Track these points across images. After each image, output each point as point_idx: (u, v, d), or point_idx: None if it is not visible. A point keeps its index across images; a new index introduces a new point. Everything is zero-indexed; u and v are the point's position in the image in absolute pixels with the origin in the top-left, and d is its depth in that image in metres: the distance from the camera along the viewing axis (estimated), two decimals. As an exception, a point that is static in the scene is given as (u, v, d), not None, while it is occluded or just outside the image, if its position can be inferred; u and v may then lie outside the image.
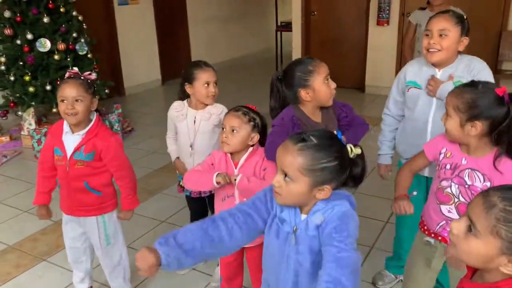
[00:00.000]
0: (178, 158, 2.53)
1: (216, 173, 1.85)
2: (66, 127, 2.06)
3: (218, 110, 2.38)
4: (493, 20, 5.49)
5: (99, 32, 6.00)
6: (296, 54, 6.78)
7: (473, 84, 1.57)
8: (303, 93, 1.89)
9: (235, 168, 1.93)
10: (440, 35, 1.94)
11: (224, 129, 1.90)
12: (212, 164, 1.97)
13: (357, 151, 1.29)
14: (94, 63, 4.80)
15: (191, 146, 2.38)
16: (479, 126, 1.51)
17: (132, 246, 2.93)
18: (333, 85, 1.94)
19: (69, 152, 2.05)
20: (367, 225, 3.05)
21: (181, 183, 2.52)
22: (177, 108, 2.41)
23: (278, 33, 8.59)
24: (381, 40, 6.24)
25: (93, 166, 2.07)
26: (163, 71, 7.51)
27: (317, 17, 6.70)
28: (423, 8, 3.90)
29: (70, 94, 1.96)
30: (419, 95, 2.07)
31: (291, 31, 7.04)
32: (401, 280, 2.50)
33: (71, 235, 2.26)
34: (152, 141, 4.86)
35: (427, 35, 2.00)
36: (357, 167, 1.30)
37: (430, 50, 1.98)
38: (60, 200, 2.22)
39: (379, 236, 2.94)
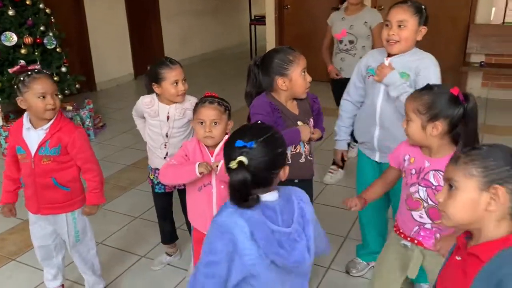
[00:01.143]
0: None
1: (197, 163, 1.84)
2: (27, 123, 2.01)
3: (191, 104, 2.31)
4: (461, 14, 5.61)
5: (69, 25, 5.85)
6: (271, 47, 6.74)
7: (428, 87, 1.63)
8: (280, 81, 1.93)
9: (211, 157, 1.93)
10: (399, 26, 1.99)
11: (204, 123, 1.88)
12: (186, 155, 1.95)
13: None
14: (64, 58, 4.68)
15: (165, 144, 2.34)
16: (439, 126, 1.56)
17: (105, 243, 2.88)
18: (309, 78, 1.99)
19: (33, 148, 2.01)
20: (341, 216, 3.09)
21: (151, 176, 2.48)
22: (148, 104, 2.33)
23: (252, 27, 8.57)
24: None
25: (60, 160, 2.04)
26: (135, 66, 7.39)
27: (291, 10, 6.71)
28: (336, 9, 3.75)
29: (50, 90, 1.95)
30: (374, 83, 2.14)
31: (265, 24, 7.02)
32: (373, 266, 2.55)
33: (40, 234, 2.22)
34: (124, 136, 4.78)
35: (387, 25, 2.04)
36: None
37: (390, 41, 2.02)
38: (26, 200, 2.16)
39: (352, 226, 2.98)
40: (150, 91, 2.34)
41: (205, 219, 1.84)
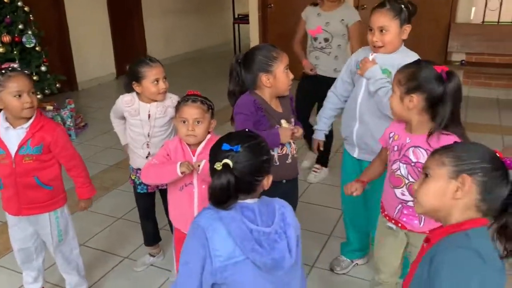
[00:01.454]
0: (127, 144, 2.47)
1: (179, 162, 1.82)
2: (4, 122, 1.97)
3: (173, 101, 2.30)
4: (442, 13, 5.68)
5: (48, 24, 5.74)
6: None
7: (417, 61, 1.65)
8: (264, 78, 1.92)
9: (193, 156, 1.91)
10: (381, 31, 2.00)
11: (186, 122, 1.86)
12: (168, 154, 1.93)
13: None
14: (43, 57, 4.59)
15: (147, 144, 2.31)
16: (415, 99, 1.56)
17: (88, 244, 2.84)
18: (291, 75, 2.00)
19: (13, 148, 1.97)
20: (325, 214, 3.10)
21: (132, 176, 2.44)
22: (128, 103, 2.29)
23: (236, 25, 8.54)
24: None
25: (42, 159, 2.01)
26: (117, 65, 7.29)
27: (274, 9, 6.70)
28: (315, 4, 3.43)
29: (26, 88, 1.91)
30: (359, 78, 2.16)
31: (248, 23, 7.01)
32: (357, 263, 2.57)
33: (20, 236, 2.18)
34: (106, 136, 4.71)
35: (370, 30, 2.06)
36: None
37: (375, 45, 2.05)
38: (4, 202, 2.12)
39: (336, 224, 2.99)
40: (129, 91, 2.30)
41: (186, 219, 1.82)
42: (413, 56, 2.05)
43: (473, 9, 5.93)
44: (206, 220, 1.25)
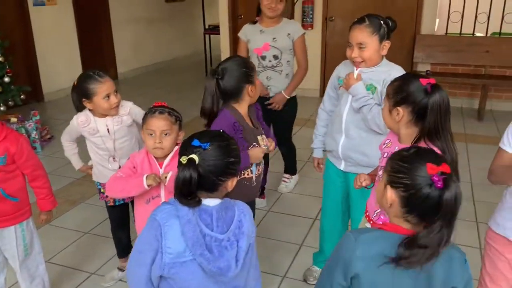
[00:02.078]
0: (84, 164, 2.43)
1: (145, 175, 1.78)
2: None
3: (125, 109, 2.26)
4: (408, 25, 5.84)
5: (13, 34, 5.60)
6: (226, 57, 6.76)
7: (405, 75, 1.68)
8: (249, 89, 1.93)
9: (160, 168, 1.88)
10: (360, 48, 2.00)
11: (153, 134, 1.83)
12: (134, 167, 1.89)
13: None
14: (7, 67, 4.47)
15: (113, 157, 2.26)
16: (401, 112, 1.57)
17: (53, 261, 2.74)
18: (258, 81, 2.06)
19: None
20: (297, 224, 3.10)
21: (102, 190, 2.38)
22: (84, 123, 2.21)
23: (207, 36, 8.54)
24: (307, 44, 6.39)
25: (6, 170, 1.97)
26: (85, 75, 7.16)
27: (244, 20, 6.73)
28: (253, 22, 3.17)
29: None
30: (343, 92, 2.17)
31: (219, 34, 7.02)
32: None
33: (-19, 253, 2.09)
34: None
35: (349, 45, 2.06)
36: None
37: (355, 61, 2.05)
38: (-35, 216, 2.02)
39: (308, 233, 2.99)
40: (79, 108, 2.23)
41: None
42: (398, 69, 2.05)
43: (437, 21, 6.13)
44: (164, 215, 1.28)
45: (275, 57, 3.07)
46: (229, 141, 1.33)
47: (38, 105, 6.15)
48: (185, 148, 1.28)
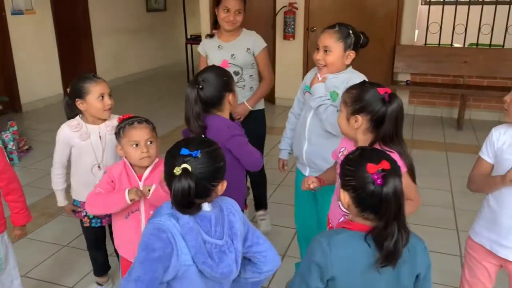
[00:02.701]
0: (69, 204, 2.33)
1: (127, 189, 1.74)
2: None
3: (116, 122, 2.23)
4: (388, 36, 5.93)
5: (-10, 43, 5.51)
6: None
7: (362, 83, 1.69)
8: (230, 97, 1.95)
9: (140, 181, 1.84)
10: (325, 51, 2.06)
11: (138, 145, 1.80)
12: (112, 181, 1.85)
13: None
14: (-17, 77, 4.37)
15: (99, 165, 2.19)
16: (360, 120, 1.61)
17: (29, 275, 2.66)
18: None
19: None
20: (278, 234, 3.08)
21: (83, 211, 2.29)
22: (76, 127, 2.15)
23: (188, 46, 8.53)
24: (288, 54, 6.45)
25: None
26: (65, 85, 7.04)
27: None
28: (211, 36, 2.97)
29: None
30: (306, 99, 2.22)
31: (200, 44, 7.00)
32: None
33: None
34: (52, 160, 4.50)
35: (317, 48, 2.11)
36: None
37: (318, 65, 2.11)
38: None
39: (290, 243, 2.97)
40: (70, 111, 2.19)
41: (133, 246, 1.73)
42: (359, 77, 2.08)
43: (416, 32, 6.24)
44: (168, 220, 1.27)
45: (236, 73, 2.80)
46: (215, 145, 1.34)
47: (15, 115, 6.04)
48: (174, 158, 1.27)
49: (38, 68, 6.56)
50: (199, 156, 1.25)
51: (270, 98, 6.76)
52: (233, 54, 2.79)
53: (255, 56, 2.87)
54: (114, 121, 2.19)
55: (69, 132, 2.15)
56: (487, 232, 1.73)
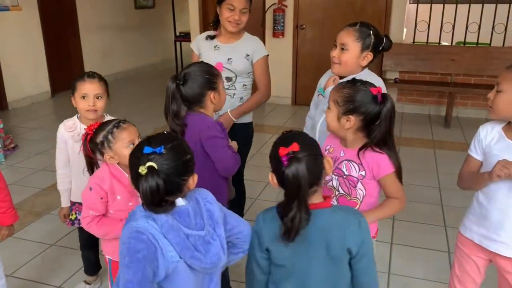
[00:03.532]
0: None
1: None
2: None
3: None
4: (376, 34, 5.96)
5: (-26, 39, 5.42)
6: (196, 64, 6.72)
7: (352, 81, 1.67)
8: (212, 96, 1.88)
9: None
10: (342, 49, 1.98)
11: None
12: (102, 198, 1.76)
13: None
14: (-32, 74, 4.29)
15: None
16: (352, 121, 1.61)
17: (15, 275, 2.63)
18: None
19: None
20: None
21: (72, 216, 2.28)
22: (70, 128, 2.15)
23: (177, 43, 8.49)
24: (278, 52, 6.44)
25: None
26: (52, 83, 6.98)
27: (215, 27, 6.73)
28: (211, 37, 2.60)
29: None
30: (321, 102, 2.14)
31: (190, 41, 6.97)
32: None
33: None
34: (39, 158, 4.46)
35: (335, 45, 2.03)
36: None
37: (333, 61, 2.03)
38: None
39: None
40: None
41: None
42: (377, 80, 2.00)
43: (405, 30, 6.28)
44: (145, 221, 1.24)
45: (228, 79, 2.51)
46: (179, 139, 1.32)
47: (1, 113, 5.95)
48: (138, 158, 1.23)
49: (24, 66, 6.48)
50: (164, 152, 1.22)
51: (259, 95, 6.76)
52: (230, 58, 2.50)
53: (253, 63, 2.58)
54: None
55: (64, 132, 2.17)
56: (477, 227, 1.75)
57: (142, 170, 1.19)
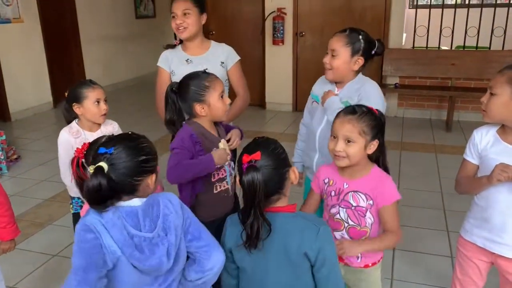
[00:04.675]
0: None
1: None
2: None
3: (114, 127, 2.31)
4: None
5: (-23, 52, 5.46)
6: (197, 73, 6.75)
7: (359, 107, 1.66)
8: (198, 108, 1.88)
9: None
10: (333, 55, 2.01)
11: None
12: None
13: None
14: (-30, 86, 4.33)
15: None
16: (374, 145, 1.64)
17: (19, 286, 2.64)
18: (227, 100, 1.96)
19: None
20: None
21: (71, 209, 2.31)
22: (76, 134, 2.20)
23: (178, 52, 8.53)
24: (278, 59, 6.48)
25: None
26: (54, 93, 7.01)
27: (215, 36, 6.76)
28: (172, 46, 2.62)
29: None
30: (317, 109, 2.15)
31: (190, 50, 7.01)
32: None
33: None
34: (42, 168, 4.47)
35: (327, 52, 2.06)
36: None
37: (326, 67, 2.06)
38: None
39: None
40: (69, 115, 2.25)
41: None
42: (371, 85, 2.04)
43: (404, 35, 6.30)
44: (94, 217, 1.28)
45: None
46: (138, 140, 1.33)
47: (4, 124, 5.98)
48: (92, 157, 1.28)
49: (26, 77, 6.52)
50: (114, 152, 1.26)
51: (260, 103, 6.78)
52: (206, 69, 2.36)
53: (227, 70, 2.54)
54: (109, 127, 2.27)
55: (69, 137, 2.21)
56: (479, 230, 1.75)
57: (91, 169, 1.24)
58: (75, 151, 1.69)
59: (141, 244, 1.28)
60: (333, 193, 1.72)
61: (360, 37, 1.99)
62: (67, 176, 2.21)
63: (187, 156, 1.82)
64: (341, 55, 1.99)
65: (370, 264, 1.75)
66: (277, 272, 1.37)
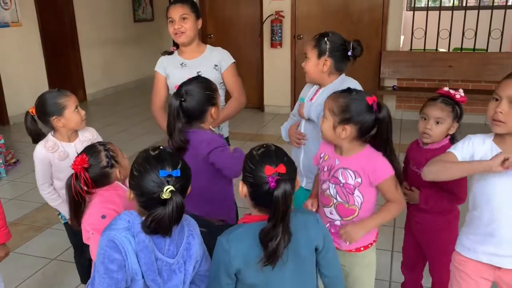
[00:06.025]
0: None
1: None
2: None
3: (93, 134, 2.24)
4: (374, 42, 5.99)
5: (-25, 56, 5.46)
6: (195, 76, 6.76)
7: (348, 91, 1.68)
8: (213, 111, 1.92)
9: None
10: (306, 58, 2.11)
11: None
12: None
13: None
14: (-31, 90, 4.33)
15: None
16: (348, 129, 1.62)
17: (17, 290, 2.63)
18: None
19: None
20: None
21: (61, 220, 2.30)
22: (53, 148, 2.10)
23: (176, 55, 8.55)
24: (276, 62, 6.49)
25: None
26: (53, 97, 7.01)
27: (214, 39, 6.78)
28: (169, 53, 2.65)
29: None
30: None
31: (188, 53, 7.02)
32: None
33: None
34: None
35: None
36: None
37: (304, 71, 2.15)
38: None
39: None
40: (37, 135, 2.13)
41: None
42: (351, 81, 2.08)
43: (402, 37, 6.32)
44: (123, 233, 1.25)
45: None
46: (181, 159, 1.33)
47: (2, 128, 5.98)
48: (155, 182, 1.23)
49: (25, 81, 6.52)
50: (180, 174, 1.24)
51: (259, 106, 6.79)
52: (199, 72, 2.45)
53: (222, 73, 2.56)
54: (87, 134, 2.21)
55: (46, 153, 2.11)
56: (483, 246, 1.63)
57: (166, 194, 1.21)
58: (72, 166, 1.63)
59: (161, 268, 1.28)
60: (325, 168, 1.75)
61: (326, 39, 2.06)
62: (45, 189, 2.18)
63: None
64: (310, 58, 2.09)
65: (362, 248, 1.75)
66: (293, 274, 1.36)
